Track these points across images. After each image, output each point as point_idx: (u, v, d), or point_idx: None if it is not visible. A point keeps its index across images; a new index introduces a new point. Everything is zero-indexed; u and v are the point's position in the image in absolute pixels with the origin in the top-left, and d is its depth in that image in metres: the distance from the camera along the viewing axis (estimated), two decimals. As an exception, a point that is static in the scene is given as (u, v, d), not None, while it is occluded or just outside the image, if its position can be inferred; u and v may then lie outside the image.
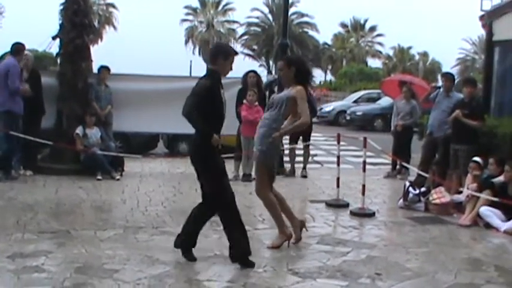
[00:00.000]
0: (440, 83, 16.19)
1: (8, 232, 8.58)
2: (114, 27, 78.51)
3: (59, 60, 14.65)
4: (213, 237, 8.72)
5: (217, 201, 7.57)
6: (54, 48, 15.15)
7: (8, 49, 13.32)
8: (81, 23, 14.36)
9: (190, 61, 76.57)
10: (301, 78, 8.21)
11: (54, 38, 14.59)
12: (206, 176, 7.67)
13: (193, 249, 7.68)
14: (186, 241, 7.67)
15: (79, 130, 13.62)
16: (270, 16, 77.28)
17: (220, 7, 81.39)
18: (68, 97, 13.96)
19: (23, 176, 13.22)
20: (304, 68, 8.41)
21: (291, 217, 8.65)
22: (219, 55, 7.66)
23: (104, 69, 14.58)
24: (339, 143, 12.44)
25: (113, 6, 78.79)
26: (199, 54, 78.45)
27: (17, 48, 13.06)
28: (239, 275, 7.08)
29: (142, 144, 17.90)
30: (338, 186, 11.87)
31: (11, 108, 12.68)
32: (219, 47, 8.27)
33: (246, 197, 12.14)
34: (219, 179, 7.57)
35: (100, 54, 15.20)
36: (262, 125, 8.35)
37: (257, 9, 77.59)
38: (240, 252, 7.43)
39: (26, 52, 13.62)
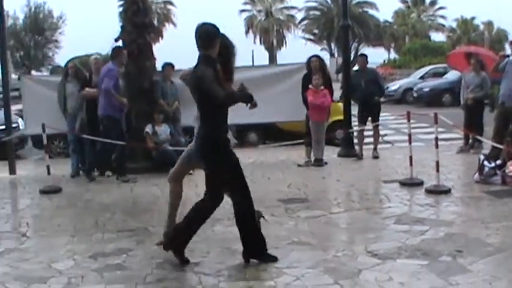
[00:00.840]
0: (508, 51, 15.83)
1: (88, 233, 8.77)
2: (174, 24, 79.12)
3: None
4: (289, 224, 8.75)
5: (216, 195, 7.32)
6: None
7: (72, 56, 13.55)
8: (141, 23, 14.49)
9: (252, 51, 76.71)
10: (225, 62, 7.63)
11: (116, 40, 14.75)
12: (217, 169, 7.23)
13: (268, 236, 7.71)
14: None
15: (148, 128, 13.79)
16: (328, -1, 76.85)
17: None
18: (135, 97, 14.10)
19: (100, 178, 13.48)
20: (225, 51, 7.73)
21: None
22: (215, 39, 7.07)
23: (168, 66, 14.70)
24: (409, 120, 12.31)
25: (171, 3, 79.47)
26: (260, 43, 78.51)
27: (115, 52, 13.40)
28: (318, 261, 7.07)
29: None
30: (411, 164, 11.75)
31: (110, 113, 13.02)
32: (214, 30, 7.14)
33: (319, 182, 12.16)
34: (228, 174, 7.22)
35: (162, 52, 15.32)
36: None
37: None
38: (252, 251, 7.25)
39: (95, 56, 13.98)
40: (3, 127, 16.04)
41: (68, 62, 15.20)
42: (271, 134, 18.16)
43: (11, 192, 13.07)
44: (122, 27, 14.72)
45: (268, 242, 7.78)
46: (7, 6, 15.92)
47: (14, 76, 30.64)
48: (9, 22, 66.22)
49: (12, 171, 14.85)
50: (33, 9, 76.32)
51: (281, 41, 79.05)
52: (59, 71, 20.25)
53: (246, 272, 6.79)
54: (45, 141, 12.93)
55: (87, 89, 13.64)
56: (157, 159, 13.72)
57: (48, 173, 12.60)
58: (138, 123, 14.07)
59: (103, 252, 7.81)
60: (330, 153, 14.84)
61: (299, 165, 13.90)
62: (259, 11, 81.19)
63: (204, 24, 7.15)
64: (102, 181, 13.22)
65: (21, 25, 75.37)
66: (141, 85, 14.18)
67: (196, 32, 7.01)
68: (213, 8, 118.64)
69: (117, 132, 13.07)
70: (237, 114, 14.72)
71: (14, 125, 16.32)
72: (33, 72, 69.66)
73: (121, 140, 13.00)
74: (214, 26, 7.13)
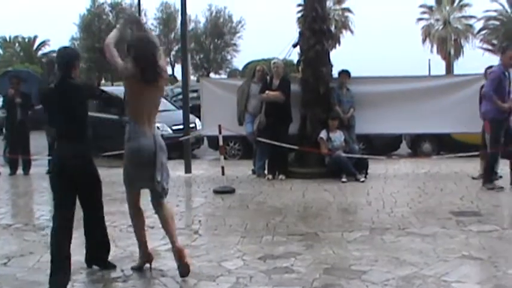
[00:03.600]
0: None
1: (259, 234, 8.88)
2: (351, 31, 78.87)
3: (300, 67, 14.98)
4: (460, 237, 8.53)
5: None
6: (293, 55, 15.63)
7: (250, 60, 13.87)
8: (320, 29, 14.63)
9: (429, 60, 75.41)
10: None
11: (294, 45, 14.99)
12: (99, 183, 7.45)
13: (437, 249, 7.57)
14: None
15: (323, 134, 13.86)
16: (509, 9, 74.19)
17: (455, 3, 79.28)
18: (311, 102, 14.27)
19: (272, 180, 13.68)
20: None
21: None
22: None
23: (344, 73, 14.72)
24: None
25: (349, 10, 79.15)
26: (437, 52, 76.87)
27: (502, 50, 12.95)
28: (489, 277, 6.83)
29: (385, 146, 17.91)
30: None
31: (493, 115, 12.58)
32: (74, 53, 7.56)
33: (493, 196, 11.78)
34: None
35: (338, 58, 15.46)
36: None
37: (496, 1, 74.83)
38: None
39: (275, 60, 14.28)
40: (181, 127, 16.65)
41: (246, 66, 15.65)
42: (446, 144, 17.83)
43: (185, 191, 13.45)
44: (300, 33, 14.93)
45: (438, 254, 7.66)
46: (189, 10, 16.54)
47: (192, 78, 31.75)
48: (190, 26, 68.80)
49: (187, 170, 15.38)
50: (214, 13, 78.83)
51: (458, 51, 77.04)
52: (236, 74, 20.82)
53: (414, 283, 6.67)
54: (221, 143, 13.33)
55: (267, 91, 13.90)
56: (330, 166, 13.77)
57: (223, 173, 12.97)
58: (312, 129, 14.17)
59: (272, 254, 7.88)
60: (506, 167, 14.33)
61: (473, 178, 13.52)
62: (437, 20, 79.39)
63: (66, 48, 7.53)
64: (275, 184, 13.39)
65: (201, 29, 78.03)
66: (317, 91, 14.29)
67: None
68: (390, 16, 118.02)
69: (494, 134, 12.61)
70: (412, 124, 14.70)
71: (191, 125, 16.88)
72: (212, 75, 71.89)
73: (495, 144, 12.54)
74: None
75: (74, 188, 7.02)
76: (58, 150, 7.11)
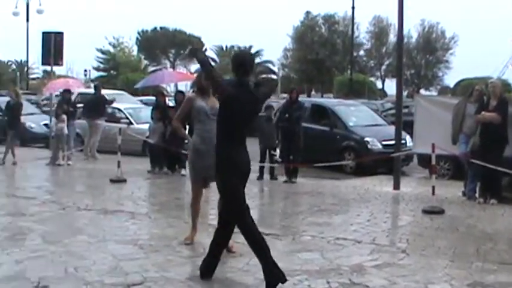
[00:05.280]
0: None
1: (468, 260, 8.62)
2: None
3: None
4: None
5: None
6: (506, 74, 15.04)
7: (461, 78, 13.45)
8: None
9: None
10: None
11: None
12: None
13: None
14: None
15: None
16: None
17: None
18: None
19: (483, 204, 13.21)
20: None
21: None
22: None
23: None
24: None
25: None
26: None
27: None
28: None
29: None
30: None
31: None
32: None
33: None
34: None
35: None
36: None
37: None
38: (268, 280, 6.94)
39: (492, 80, 13.74)
40: (390, 142, 16.53)
41: (457, 83, 15.24)
42: None
43: (393, 207, 13.35)
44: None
45: None
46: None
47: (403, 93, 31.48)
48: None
49: (396, 186, 15.18)
50: (426, 28, 77.96)
51: None
52: (447, 92, 20.38)
53: None
54: (433, 162, 13.04)
55: (483, 112, 13.43)
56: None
57: (433, 193, 12.68)
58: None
59: (482, 282, 7.63)
60: None
61: None
62: None
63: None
64: (486, 208, 12.92)
65: (413, 44, 77.42)
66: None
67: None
68: None
69: None
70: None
71: (401, 142, 16.68)
72: (422, 91, 71.06)
73: None
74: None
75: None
76: (236, 153, 7.36)
